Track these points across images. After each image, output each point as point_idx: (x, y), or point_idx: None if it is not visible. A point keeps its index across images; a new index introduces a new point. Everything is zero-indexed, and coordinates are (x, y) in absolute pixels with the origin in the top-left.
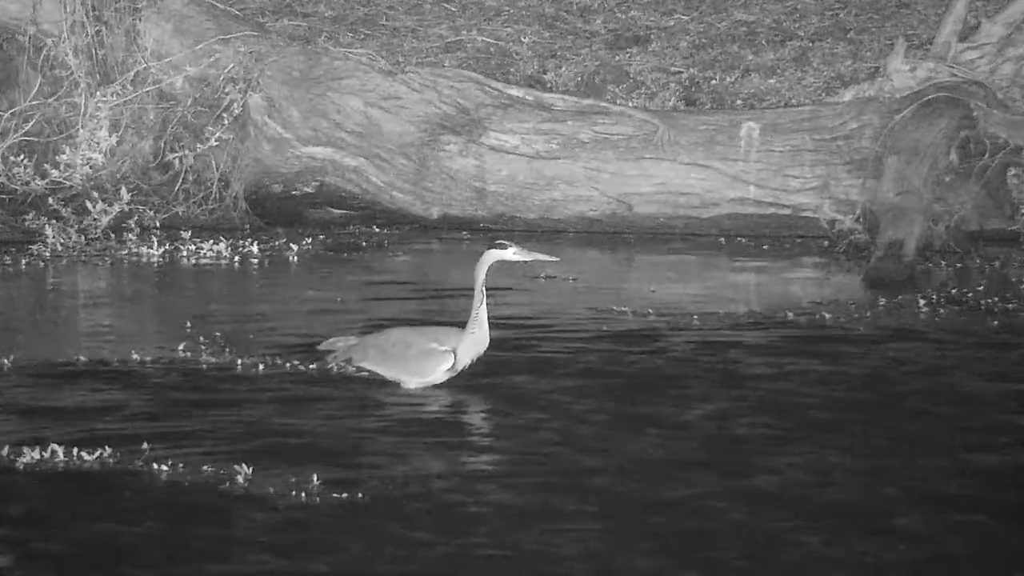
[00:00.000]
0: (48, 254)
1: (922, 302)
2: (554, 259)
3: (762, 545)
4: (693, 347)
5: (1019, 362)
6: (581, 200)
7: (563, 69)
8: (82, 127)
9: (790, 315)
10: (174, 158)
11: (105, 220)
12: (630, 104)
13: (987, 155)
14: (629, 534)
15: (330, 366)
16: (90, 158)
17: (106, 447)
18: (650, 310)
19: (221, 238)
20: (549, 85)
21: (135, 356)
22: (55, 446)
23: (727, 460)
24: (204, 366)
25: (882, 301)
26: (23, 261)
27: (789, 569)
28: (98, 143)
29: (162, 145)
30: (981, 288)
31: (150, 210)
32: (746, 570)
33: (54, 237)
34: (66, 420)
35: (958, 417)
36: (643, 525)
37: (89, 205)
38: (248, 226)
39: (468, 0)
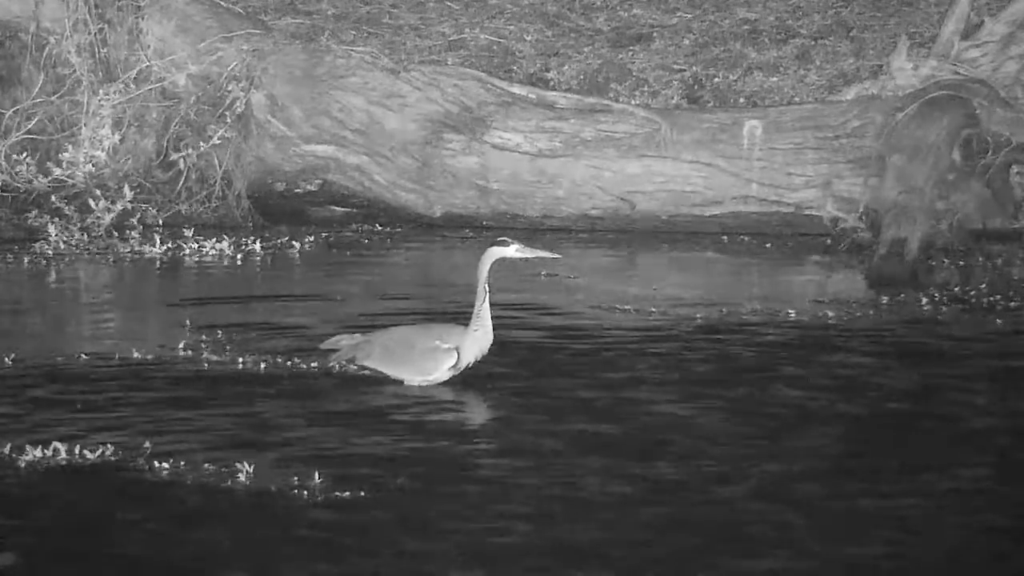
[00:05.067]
0: (51, 252)
1: (924, 300)
2: (556, 257)
3: (747, 537)
4: (695, 345)
5: (1021, 361)
6: (584, 198)
7: (566, 67)
8: (85, 125)
9: (792, 313)
10: (177, 156)
11: (108, 218)
12: (633, 102)
13: (990, 153)
14: (631, 533)
15: (332, 365)
16: (93, 156)
17: (108, 445)
18: (653, 308)
19: (224, 236)
20: (552, 83)
21: (136, 354)
22: (57, 444)
23: (727, 457)
24: (205, 364)
25: (884, 299)
26: (26, 259)
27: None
28: (101, 141)
29: (165, 143)
30: (984, 286)
31: (153, 208)
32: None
33: (57, 235)
34: (68, 418)
35: (959, 417)
36: (645, 526)
37: (92, 203)
38: (251, 224)
39: None
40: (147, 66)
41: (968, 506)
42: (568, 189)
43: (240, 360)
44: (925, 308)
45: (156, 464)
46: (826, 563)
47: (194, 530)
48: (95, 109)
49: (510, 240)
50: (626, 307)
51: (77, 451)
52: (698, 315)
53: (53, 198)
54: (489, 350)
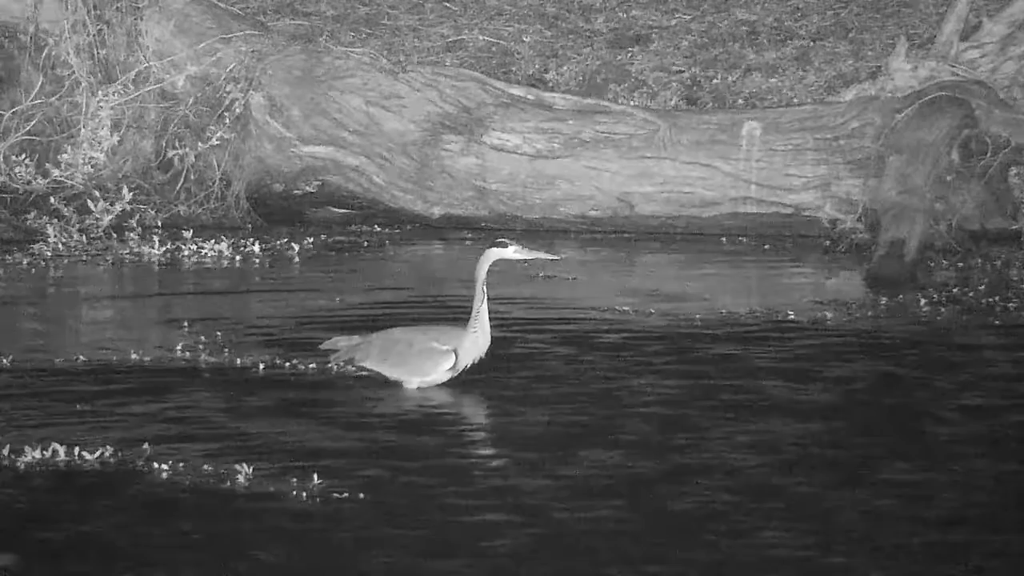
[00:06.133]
0: (50, 253)
1: (923, 301)
2: (555, 257)
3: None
4: (695, 346)
5: (1020, 362)
6: (582, 199)
7: (564, 68)
8: (84, 126)
9: (791, 314)
10: (175, 157)
11: (107, 219)
12: (631, 103)
13: (988, 154)
14: (629, 532)
15: (330, 366)
16: (92, 157)
17: (107, 447)
18: (652, 309)
19: (223, 237)
20: (550, 84)
21: (135, 356)
22: (56, 445)
23: (727, 456)
24: (204, 366)
25: (883, 300)
26: (25, 260)
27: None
28: (100, 142)
29: (163, 144)
30: (982, 287)
31: (152, 209)
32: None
33: (56, 236)
34: (66, 420)
35: (957, 417)
36: (645, 525)
37: (91, 204)
38: (250, 225)
39: None
40: (146, 67)
41: (947, 501)
42: (567, 190)
43: (238, 361)
44: (924, 309)
45: (155, 465)
46: (802, 551)
47: (193, 531)
48: (94, 110)
49: (508, 241)
50: (624, 308)
51: (76, 452)
52: (697, 316)
53: (52, 199)
54: (487, 351)
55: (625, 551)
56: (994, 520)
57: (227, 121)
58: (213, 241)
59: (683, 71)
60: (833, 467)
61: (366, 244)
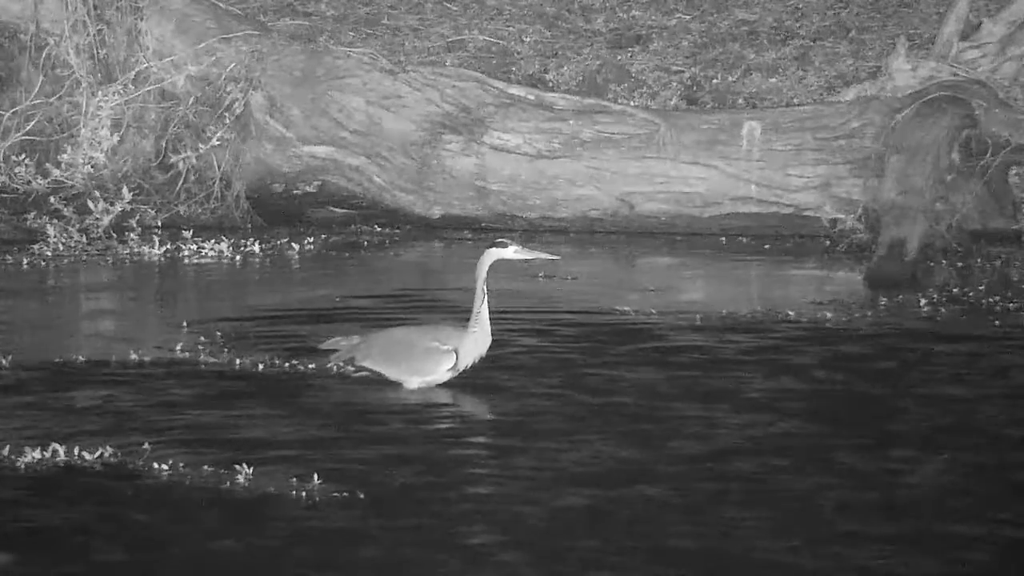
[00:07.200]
0: (50, 254)
1: (923, 301)
2: (555, 257)
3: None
4: (694, 346)
5: (1019, 362)
6: (582, 199)
7: (564, 68)
8: (84, 126)
9: (791, 314)
10: (176, 158)
11: (107, 219)
12: (631, 103)
13: (989, 154)
14: (628, 534)
15: (330, 366)
16: (92, 157)
17: (107, 447)
18: (652, 309)
19: (223, 237)
20: (551, 84)
21: (134, 356)
22: (56, 445)
23: (724, 459)
24: (203, 366)
25: (883, 300)
26: (25, 261)
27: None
28: (100, 142)
29: (164, 144)
30: (983, 288)
31: (152, 209)
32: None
33: (56, 237)
34: (66, 420)
35: (953, 418)
36: (641, 527)
37: (91, 204)
38: (250, 225)
39: None
40: (146, 67)
41: (936, 493)
42: (567, 190)
43: (238, 361)
44: (924, 309)
45: (155, 465)
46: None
47: (193, 531)
48: (94, 110)
49: (508, 241)
50: (625, 308)
51: (76, 452)
52: (697, 315)
53: (52, 199)
54: (487, 351)
55: (612, 541)
56: (981, 511)
57: (227, 121)
58: (213, 241)
59: (683, 71)
60: (819, 460)
61: (366, 244)
